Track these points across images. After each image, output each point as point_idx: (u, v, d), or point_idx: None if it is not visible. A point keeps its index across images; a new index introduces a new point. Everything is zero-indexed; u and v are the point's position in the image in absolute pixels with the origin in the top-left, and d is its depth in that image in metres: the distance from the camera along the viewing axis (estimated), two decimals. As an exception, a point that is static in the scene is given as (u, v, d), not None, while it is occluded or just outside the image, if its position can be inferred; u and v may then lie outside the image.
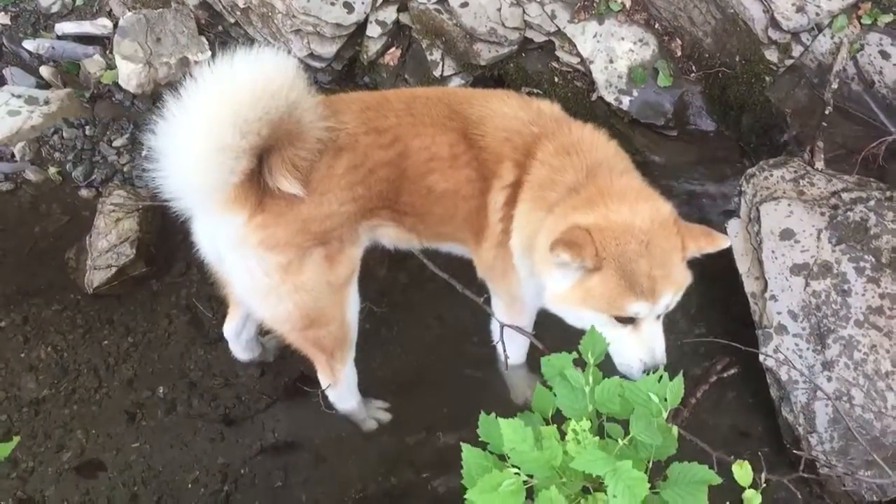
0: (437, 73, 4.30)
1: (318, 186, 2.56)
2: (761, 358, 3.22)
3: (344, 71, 4.51)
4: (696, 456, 2.01)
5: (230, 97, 2.29)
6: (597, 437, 1.92)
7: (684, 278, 2.55)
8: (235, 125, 2.28)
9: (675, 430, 2.01)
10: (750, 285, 3.43)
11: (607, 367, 2.14)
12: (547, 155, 2.66)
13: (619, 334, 2.51)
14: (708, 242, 2.58)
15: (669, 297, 2.50)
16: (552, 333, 2.97)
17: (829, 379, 3.12)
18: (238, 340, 3.39)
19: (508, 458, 1.89)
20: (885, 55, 3.99)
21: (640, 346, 2.54)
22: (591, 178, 2.60)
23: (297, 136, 2.43)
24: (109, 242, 3.75)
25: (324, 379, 3.09)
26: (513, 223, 2.73)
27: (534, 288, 2.79)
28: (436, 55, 4.31)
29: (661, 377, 1.95)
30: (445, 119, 2.71)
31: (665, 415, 1.91)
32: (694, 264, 3.90)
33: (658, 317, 2.58)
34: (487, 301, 3.18)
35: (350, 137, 2.60)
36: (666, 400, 1.92)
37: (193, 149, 2.34)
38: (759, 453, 2.88)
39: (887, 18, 4.05)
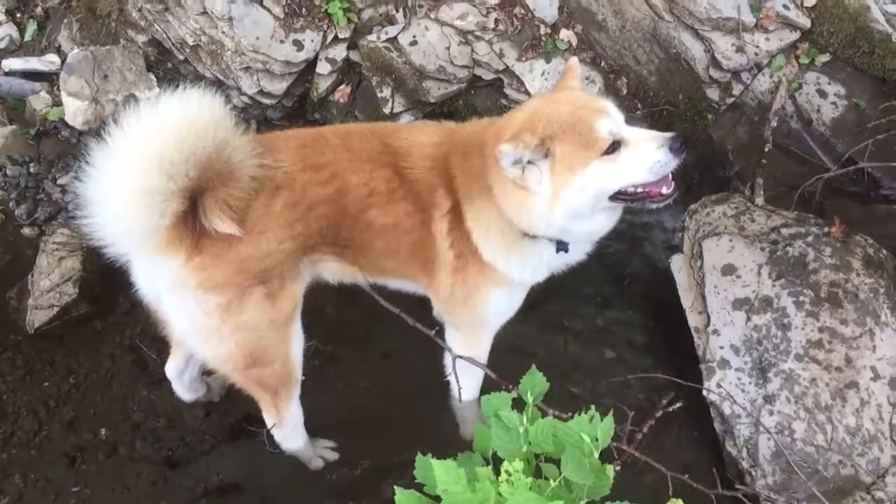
0: (386, 109, 4.33)
1: (256, 225, 2.55)
2: (704, 392, 3.25)
3: (294, 107, 4.52)
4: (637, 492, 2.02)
5: (155, 140, 2.28)
6: (531, 478, 1.92)
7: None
8: (161, 168, 2.27)
9: (609, 469, 2.01)
10: (693, 320, 3.48)
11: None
12: (457, 164, 2.73)
13: (623, 159, 2.53)
14: (570, 72, 2.77)
15: (612, 106, 2.61)
16: (507, 365, 2.96)
17: (772, 412, 3.16)
18: (181, 381, 3.34)
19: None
20: (822, 94, 4.11)
21: (644, 146, 2.54)
22: (485, 138, 2.69)
23: (229, 176, 2.42)
24: (52, 282, 3.68)
25: (269, 418, 3.06)
26: (473, 241, 2.75)
27: (535, 263, 2.84)
28: (386, 92, 4.33)
29: (591, 417, 1.96)
30: (380, 154, 2.73)
31: (596, 454, 1.92)
32: (642, 299, 3.96)
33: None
34: (439, 334, 3.16)
35: (287, 175, 2.60)
36: (597, 440, 1.93)
37: (120, 194, 2.32)
38: (714, 469, 2.92)
39: (824, 58, 4.16)
